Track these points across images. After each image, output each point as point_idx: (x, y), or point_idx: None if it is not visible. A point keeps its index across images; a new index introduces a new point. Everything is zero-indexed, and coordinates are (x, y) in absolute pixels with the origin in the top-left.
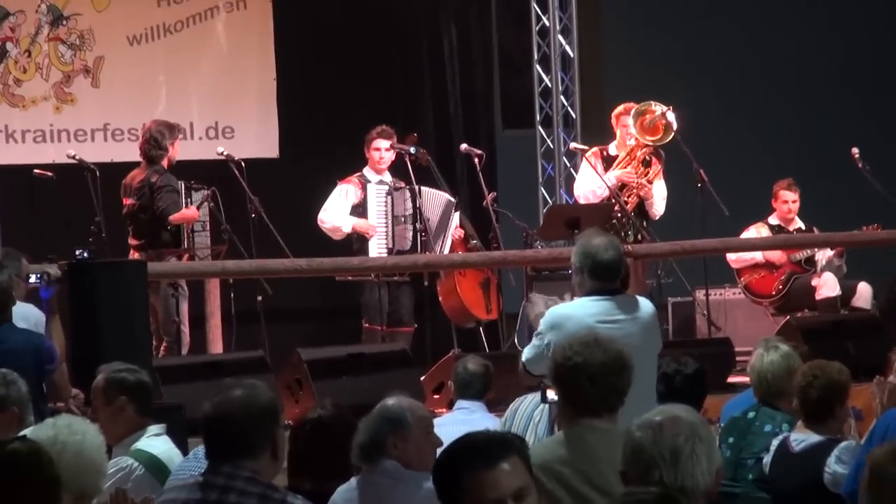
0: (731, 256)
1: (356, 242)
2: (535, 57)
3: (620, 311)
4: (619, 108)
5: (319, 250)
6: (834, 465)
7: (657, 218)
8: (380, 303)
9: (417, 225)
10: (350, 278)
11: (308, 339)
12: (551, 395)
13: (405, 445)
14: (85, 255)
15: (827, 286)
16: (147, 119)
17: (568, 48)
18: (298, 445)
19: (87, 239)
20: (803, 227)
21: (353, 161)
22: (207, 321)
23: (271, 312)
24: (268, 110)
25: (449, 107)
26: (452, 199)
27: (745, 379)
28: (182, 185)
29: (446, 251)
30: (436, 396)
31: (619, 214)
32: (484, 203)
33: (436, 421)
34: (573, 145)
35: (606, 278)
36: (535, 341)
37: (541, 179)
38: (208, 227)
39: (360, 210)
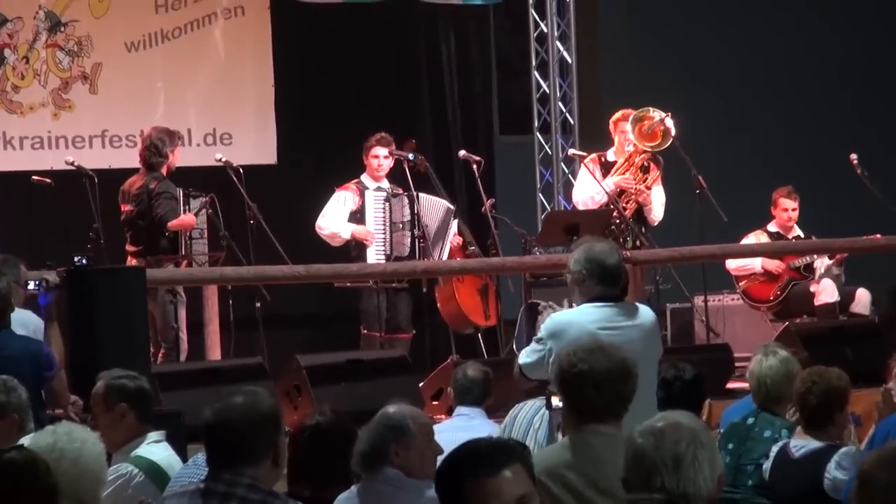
0: (730, 266)
1: (354, 249)
2: (534, 63)
3: (622, 318)
4: (618, 115)
5: (318, 257)
6: (834, 471)
7: (656, 224)
8: (378, 309)
9: (416, 232)
10: (349, 285)
11: (306, 345)
12: (556, 401)
13: (407, 453)
14: (83, 261)
15: (826, 292)
16: (145, 126)
17: (566, 54)
18: (297, 452)
19: (85, 245)
20: (802, 235)
21: (351, 168)
22: (206, 328)
23: (270, 319)
24: (266, 117)
25: (447, 113)
26: (451, 207)
27: (745, 385)
28: (180, 192)
29: (444, 258)
30: (434, 403)
31: (618, 221)
32: (482, 209)
33: (435, 427)
34: (571, 151)
35: (612, 283)
36: (534, 346)
37: (539, 186)
38: (206, 234)
39: (358, 217)
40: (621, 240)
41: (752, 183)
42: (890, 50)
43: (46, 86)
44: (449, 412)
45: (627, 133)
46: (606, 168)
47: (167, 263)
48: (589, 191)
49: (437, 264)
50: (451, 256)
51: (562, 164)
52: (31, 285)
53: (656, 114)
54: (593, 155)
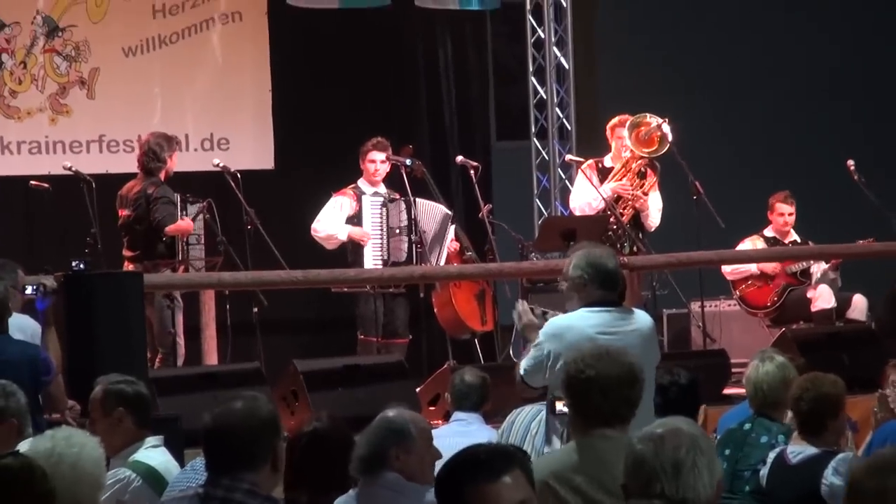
0: (726, 268)
1: (351, 255)
2: (531, 69)
3: (620, 323)
4: (615, 120)
5: (315, 262)
6: (831, 477)
7: (653, 230)
8: (375, 314)
9: (413, 237)
10: (346, 290)
11: (303, 350)
12: (559, 406)
13: (408, 458)
14: (81, 266)
15: (822, 298)
16: (143, 131)
17: (563, 60)
18: (295, 457)
19: (83, 250)
20: (798, 241)
21: (348, 173)
22: (203, 332)
23: (267, 324)
24: (263, 122)
25: (444, 118)
26: (448, 212)
27: (742, 390)
28: (178, 197)
29: (442, 263)
30: (431, 408)
31: (615, 226)
32: (479, 215)
33: (433, 433)
34: (568, 157)
35: (612, 287)
36: (532, 352)
37: (536, 191)
38: (203, 239)
39: (354, 221)
40: (618, 245)
41: (749, 188)
42: (887, 56)
43: (44, 91)
44: (446, 417)
45: (624, 139)
46: (603, 174)
47: (164, 268)
48: (586, 196)
49: (434, 270)
50: (448, 262)
51: (559, 169)
52: (29, 290)
53: (653, 119)
54: (590, 161)
